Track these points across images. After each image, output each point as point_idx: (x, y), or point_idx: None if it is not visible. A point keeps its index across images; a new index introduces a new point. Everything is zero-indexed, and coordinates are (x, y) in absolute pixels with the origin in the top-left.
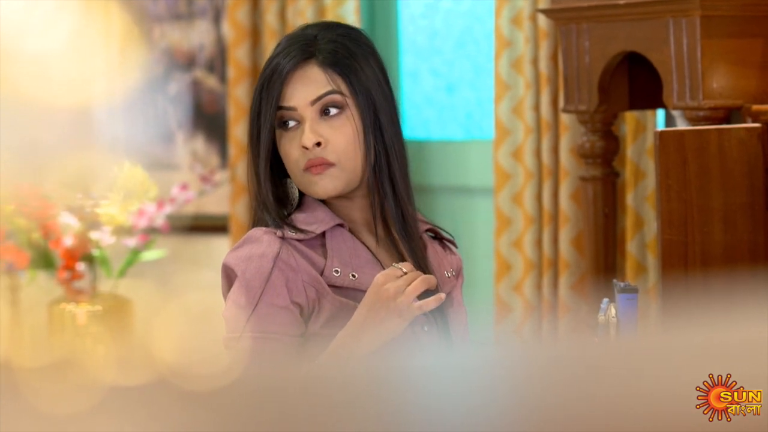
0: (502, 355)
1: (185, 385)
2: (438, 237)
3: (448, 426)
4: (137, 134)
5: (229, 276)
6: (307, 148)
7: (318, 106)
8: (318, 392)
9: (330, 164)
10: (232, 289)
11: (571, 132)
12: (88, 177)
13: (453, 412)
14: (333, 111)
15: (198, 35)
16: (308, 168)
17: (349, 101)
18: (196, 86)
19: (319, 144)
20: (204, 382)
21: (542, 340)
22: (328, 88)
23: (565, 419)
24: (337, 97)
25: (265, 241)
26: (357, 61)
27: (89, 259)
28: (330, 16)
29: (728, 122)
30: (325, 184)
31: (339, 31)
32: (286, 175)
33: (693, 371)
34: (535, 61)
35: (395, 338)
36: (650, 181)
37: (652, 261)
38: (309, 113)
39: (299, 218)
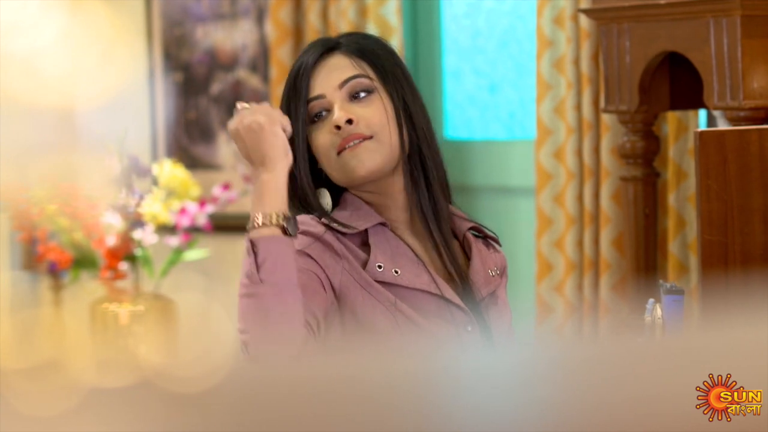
0: (508, 357)
1: (170, 387)
2: (482, 235)
3: (466, 425)
4: (172, 132)
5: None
6: (339, 127)
7: (346, 89)
8: (305, 394)
9: (366, 137)
10: None
11: (612, 132)
12: (75, 176)
13: (470, 412)
14: (362, 94)
15: (241, 35)
16: (342, 148)
17: (377, 84)
18: (238, 86)
19: (350, 122)
20: (189, 384)
21: (541, 340)
22: (355, 72)
23: (564, 418)
24: (364, 80)
25: (311, 223)
26: (380, 53)
27: (132, 259)
28: (372, 16)
29: None
30: (364, 159)
31: (361, 34)
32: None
33: (693, 371)
34: (576, 61)
35: (439, 339)
36: (692, 182)
37: (694, 261)
38: (338, 97)
39: (342, 215)
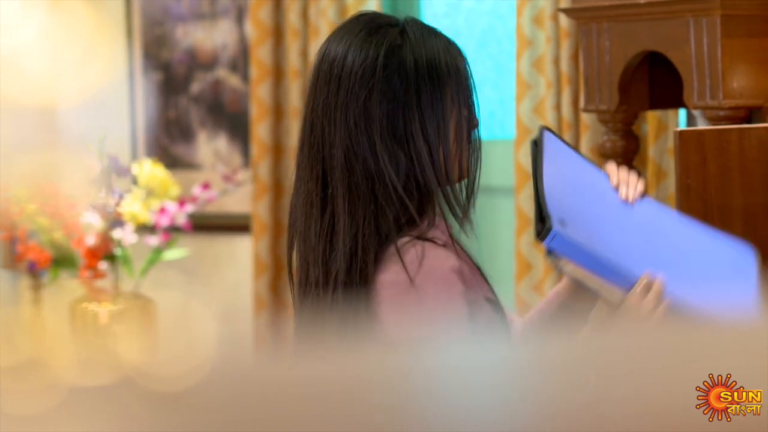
0: (500, 354)
1: (151, 385)
2: None
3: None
4: (152, 131)
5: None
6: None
7: None
8: (289, 392)
9: None
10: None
11: (591, 131)
12: (55, 175)
13: (445, 413)
14: None
15: (221, 34)
16: None
17: None
18: (218, 85)
19: None
20: (170, 383)
21: (539, 339)
22: None
23: (563, 419)
24: None
25: (447, 255)
26: None
27: (111, 259)
28: None
29: (748, 122)
30: None
31: None
32: None
33: (693, 371)
34: (556, 61)
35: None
36: (672, 181)
37: None
38: None
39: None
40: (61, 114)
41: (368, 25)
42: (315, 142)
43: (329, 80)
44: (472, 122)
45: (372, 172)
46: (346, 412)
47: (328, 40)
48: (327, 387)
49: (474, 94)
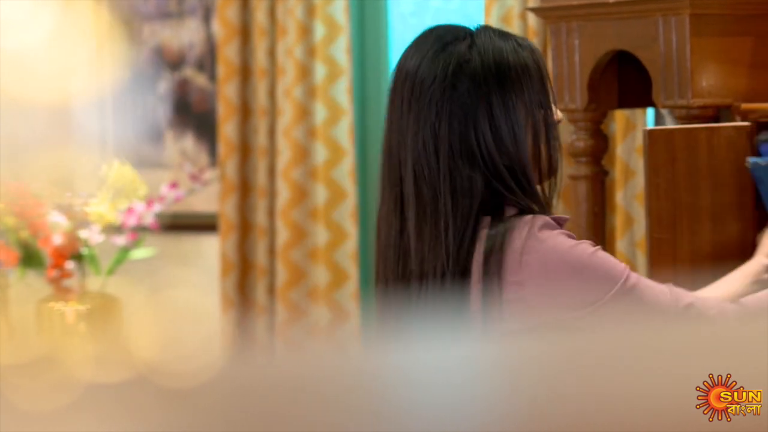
0: (492, 351)
1: (165, 382)
2: None
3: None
4: (120, 131)
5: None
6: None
7: None
8: (303, 389)
9: None
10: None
11: (560, 130)
12: (67, 174)
13: (437, 409)
14: None
15: (188, 33)
16: None
17: None
18: (185, 85)
19: None
20: (184, 380)
21: (537, 337)
22: None
23: (561, 419)
24: None
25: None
26: None
27: (78, 258)
28: (319, 15)
29: (717, 121)
30: None
31: None
32: None
33: (693, 371)
34: None
35: None
36: (640, 180)
37: (642, 260)
38: None
39: None
40: (58, 114)
41: (437, 42)
42: (392, 164)
43: (402, 101)
44: (548, 121)
45: (437, 195)
46: (361, 408)
47: (404, 57)
48: (341, 384)
49: (549, 92)
